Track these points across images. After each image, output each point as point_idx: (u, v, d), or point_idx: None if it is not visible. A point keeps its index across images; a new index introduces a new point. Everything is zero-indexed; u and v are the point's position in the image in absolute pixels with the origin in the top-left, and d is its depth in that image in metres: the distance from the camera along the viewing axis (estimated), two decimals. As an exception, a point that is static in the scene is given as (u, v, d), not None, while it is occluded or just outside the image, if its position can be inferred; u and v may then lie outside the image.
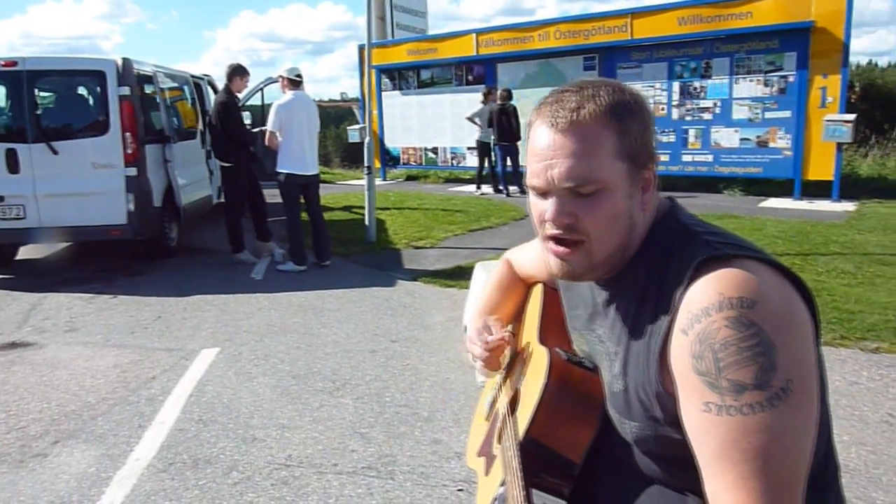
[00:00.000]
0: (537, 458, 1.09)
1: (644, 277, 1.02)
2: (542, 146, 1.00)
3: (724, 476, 0.83)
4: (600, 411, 1.11)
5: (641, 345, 0.99)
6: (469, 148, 13.21)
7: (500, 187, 11.94)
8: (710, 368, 0.86)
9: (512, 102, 11.25)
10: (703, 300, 0.89)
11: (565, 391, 1.11)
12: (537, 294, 1.37)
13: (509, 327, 1.45)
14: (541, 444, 1.09)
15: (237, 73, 7.07)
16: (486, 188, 12.23)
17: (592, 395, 1.11)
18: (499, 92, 11.51)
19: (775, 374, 0.83)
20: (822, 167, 9.91)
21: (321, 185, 7.37)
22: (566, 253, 1.02)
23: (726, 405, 0.84)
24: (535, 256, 1.39)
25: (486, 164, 12.11)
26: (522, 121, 11.34)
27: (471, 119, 11.90)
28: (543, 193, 1.02)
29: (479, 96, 12.00)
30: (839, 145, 9.68)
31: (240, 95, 7.57)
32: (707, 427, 0.86)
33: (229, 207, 7.27)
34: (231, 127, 6.96)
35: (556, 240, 1.02)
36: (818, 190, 10.07)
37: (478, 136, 11.84)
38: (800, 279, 0.93)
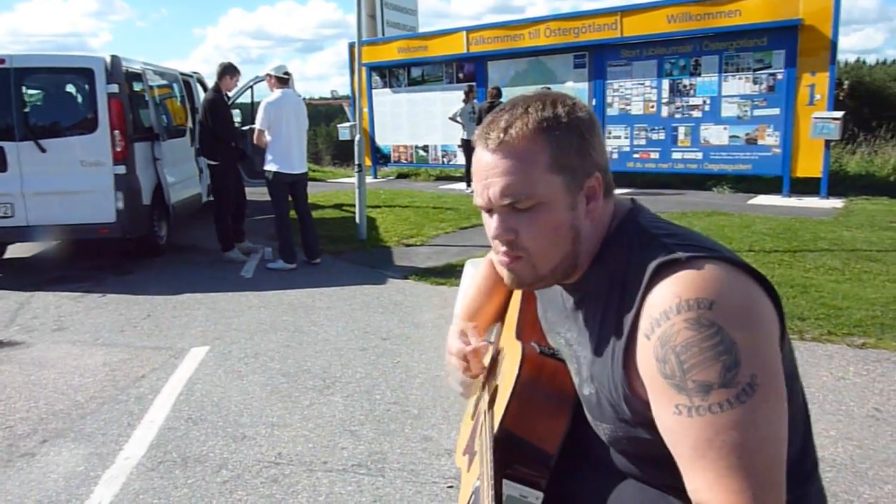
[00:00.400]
0: (512, 450, 1.10)
1: (606, 283, 1.03)
2: (480, 167, 1.04)
3: (704, 475, 0.84)
4: (573, 402, 1.12)
5: (607, 350, 1.01)
6: (458, 146, 13.20)
7: None
8: (674, 371, 0.87)
9: (502, 100, 11.25)
10: (661, 304, 0.90)
11: (538, 383, 1.13)
12: (518, 292, 1.40)
13: (492, 334, 1.47)
14: (514, 435, 1.10)
15: (227, 71, 7.05)
16: None
17: (565, 387, 1.13)
18: (488, 89, 11.50)
19: (739, 370, 0.85)
20: (810, 164, 9.98)
21: (311, 182, 7.36)
22: (511, 263, 1.05)
23: (695, 406, 0.85)
24: None
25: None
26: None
27: (453, 118, 11.87)
28: (489, 212, 1.06)
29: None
30: (827, 142, 9.75)
31: (230, 94, 7.53)
32: (679, 429, 0.87)
33: (218, 205, 7.25)
34: (218, 125, 6.93)
35: (506, 253, 1.06)
36: (806, 187, 10.14)
37: (463, 135, 11.82)
38: (761, 275, 0.94)
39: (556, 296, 1.18)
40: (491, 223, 1.05)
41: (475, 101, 11.56)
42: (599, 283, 1.05)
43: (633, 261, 0.99)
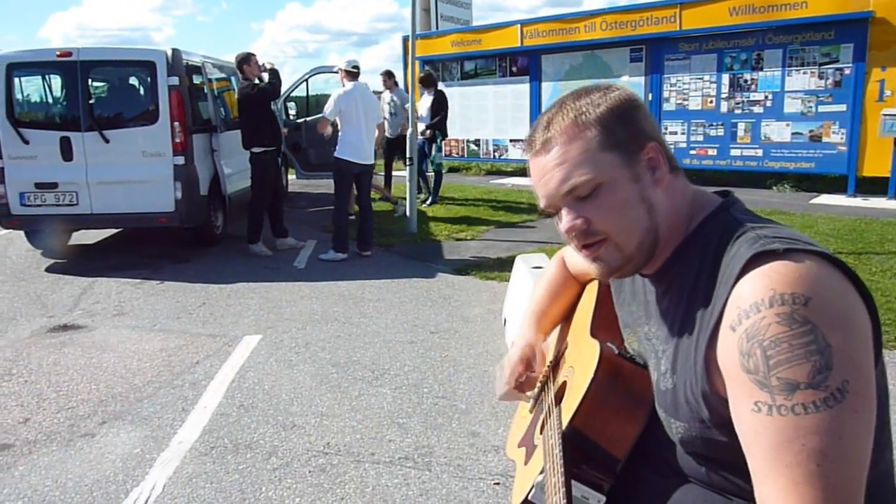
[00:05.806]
0: (579, 450, 1.07)
1: (693, 273, 0.99)
2: (534, 171, 1.05)
3: (777, 480, 0.79)
4: (648, 409, 1.08)
5: (689, 342, 0.96)
6: (512, 140, 13.10)
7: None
8: (758, 366, 0.81)
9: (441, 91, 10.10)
10: (752, 295, 0.85)
11: (614, 385, 1.09)
12: (592, 290, 1.37)
13: (549, 354, 1.44)
14: (584, 436, 1.07)
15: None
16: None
17: (641, 392, 1.09)
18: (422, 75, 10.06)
19: (831, 373, 0.78)
20: (877, 163, 9.56)
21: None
22: (596, 252, 1.03)
23: (777, 405, 0.80)
24: None
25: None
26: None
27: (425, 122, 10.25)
28: (556, 212, 1.05)
29: (524, 88, 11.74)
30: (897, 140, 9.34)
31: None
32: (757, 428, 0.81)
33: (253, 197, 7.32)
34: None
35: (585, 246, 1.04)
36: (873, 187, 9.73)
37: (387, 132, 9.90)
38: (859, 279, 0.88)
39: (636, 289, 1.15)
40: (561, 220, 1.03)
41: (398, 90, 10.18)
42: (685, 272, 1.01)
43: (722, 251, 0.95)
